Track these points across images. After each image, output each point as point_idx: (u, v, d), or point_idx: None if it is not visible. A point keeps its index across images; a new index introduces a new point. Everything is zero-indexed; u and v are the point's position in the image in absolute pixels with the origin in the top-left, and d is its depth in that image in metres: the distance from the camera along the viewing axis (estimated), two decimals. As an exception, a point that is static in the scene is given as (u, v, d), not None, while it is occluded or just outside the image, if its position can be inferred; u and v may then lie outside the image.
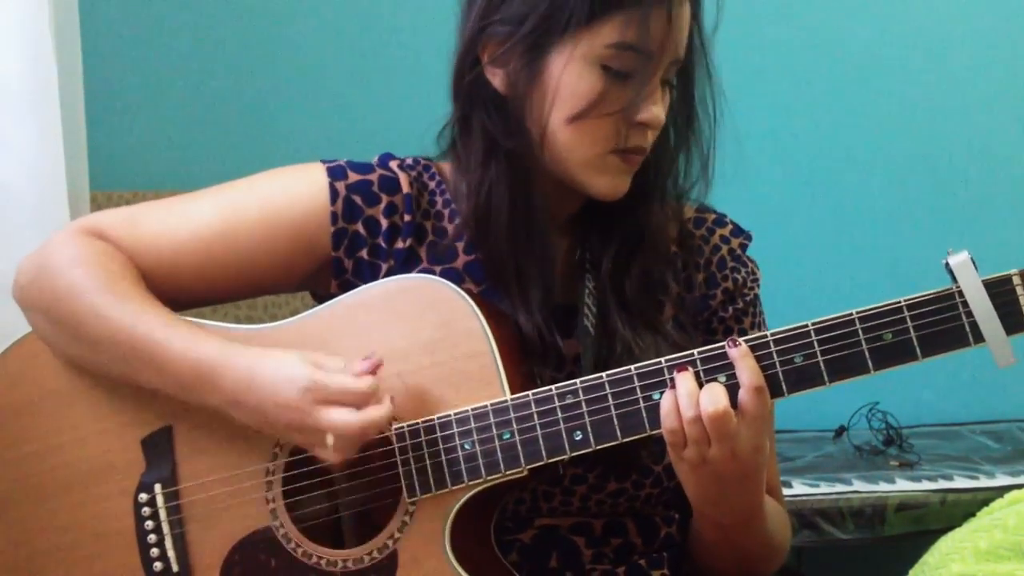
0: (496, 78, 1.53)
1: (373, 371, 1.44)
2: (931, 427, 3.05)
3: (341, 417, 1.41)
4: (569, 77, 1.48)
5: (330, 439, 1.41)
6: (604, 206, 1.56)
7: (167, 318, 1.52)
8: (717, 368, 1.41)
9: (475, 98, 1.56)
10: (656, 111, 1.49)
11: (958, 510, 2.49)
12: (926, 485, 2.59)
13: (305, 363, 1.44)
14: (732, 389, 1.40)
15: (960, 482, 2.62)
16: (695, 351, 1.42)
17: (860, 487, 2.56)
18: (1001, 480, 2.63)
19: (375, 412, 1.42)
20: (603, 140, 1.50)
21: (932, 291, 1.39)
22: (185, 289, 1.59)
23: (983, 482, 2.62)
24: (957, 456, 2.80)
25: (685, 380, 1.40)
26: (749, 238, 1.68)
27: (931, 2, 3.15)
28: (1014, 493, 1.56)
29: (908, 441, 2.87)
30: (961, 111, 3.13)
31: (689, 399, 1.39)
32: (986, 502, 1.57)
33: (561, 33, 1.47)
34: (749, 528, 1.54)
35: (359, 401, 1.42)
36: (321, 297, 1.63)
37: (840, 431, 2.93)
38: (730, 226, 1.68)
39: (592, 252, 1.60)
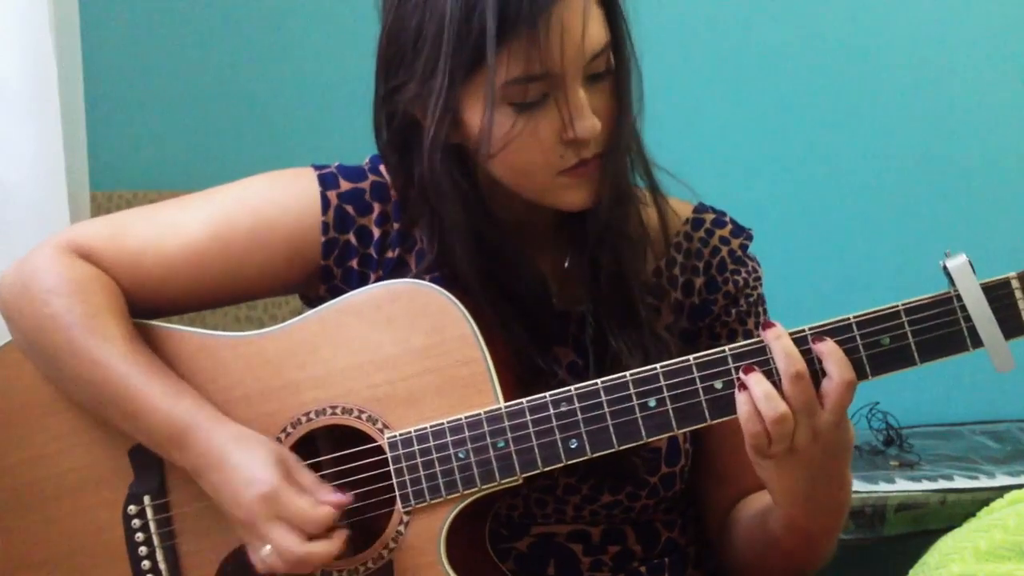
0: (430, 128, 1.48)
1: (338, 505, 1.44)
2: (931, 427, 3.04)
3: (285, 541, 1.41)
4: (478, 121, 1.43)
5: (266, 551, 1.41)
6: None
7: (146, 367, 1.50)
8: (713, 375, 1.40)
9: (406, 154, 1.53)
10: (582, 125, 1.42)
11: (958, 510, 2.49)
12: (926, 485, 2.59)
13: (275, 467, 1.43)
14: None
15: (960, 482, 2.61)
16: (691, 356, 1.41)
17: (860, 487, 2.56)
18: (1001, 480, 2.63)
19: (320, 547, 1.42)
20: (542, 169, 1.45)
21: (930, 295, 1.38)
22: (173, 301, 1.59)
23: (983, 482, 2.61)
24: (957, 456, 2.80)
25: (760, 381, 1.37)
26: (750, 237, 1.64)
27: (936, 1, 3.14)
28: (1014, 493, 1.56)
29: (908, 441, 2.86)
30: (962, 110, 3.12)
31: (768, 401, 1.36)
32: (986, 502, 1.57)
33: (453, 88, 1.42)
34: (832, 536, 1.52)
35: (311, 530, 1.42)
36: (311, 300, 1.63)
37: (839, 431, 2.92)
38: (729, 226, 1.64)
39: (581, 255, 1.56)
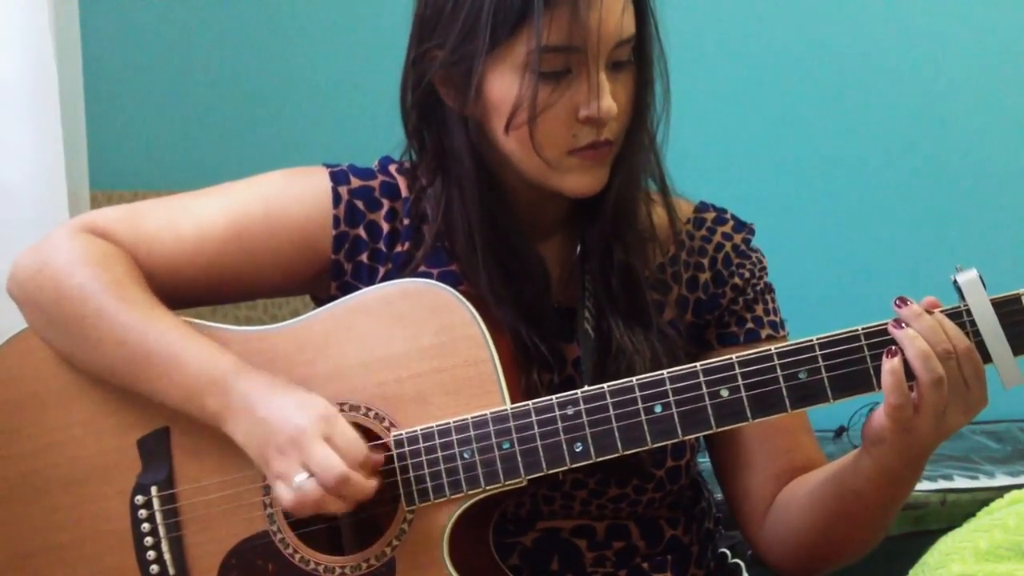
0: (449, 99, 1.53)
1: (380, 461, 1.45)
2: (931, 427, 3.03)
3: (331, 460, 1.40)
4: (503, 89, 1.47)
5: (302, 477, 1.40)
6: (588, 202, 1.54)
7: (181, 323, 1.52)
8: (721, 380, 1.41)
9: (426, 120, 1.57)
10: (601, 104, 1.46)
11: (958, 510, 2.48)
12: (926, 485, 2.58)
13: (329, 405, 1.44)
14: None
15: (960, 482, 2.61)
16: (697, 364, 1.42)
17: (860, 486, 2.56)
18: (1001, 480, 2.62)
19: (359, 477, 1.41)
20: (552, 144, 1.48)
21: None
22: (186, 289, 1.59)
23: (983, 482, 2.61)
24: (957, 456, 2.79)
25: (922, 318, 1.36)
26: (752, 232, 1.66)
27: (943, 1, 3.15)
28: (1014, 493, 1.56)
29: (909, 441, 2.86)
30: (970, 112, 3.12)
31: (935, 334, 1.35)
32: (986, 502, 1.57)
33: (487, 52, 1.46)
34: (893, 515, 1.54)
35: (355, 456, 1.42)
36: (321, 300, 1.63)
37: (840, 431, 2.91)
38: (731, 222, 1.66)
39: (586, 250, 1.59)
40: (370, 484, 1.42)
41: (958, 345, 1.36)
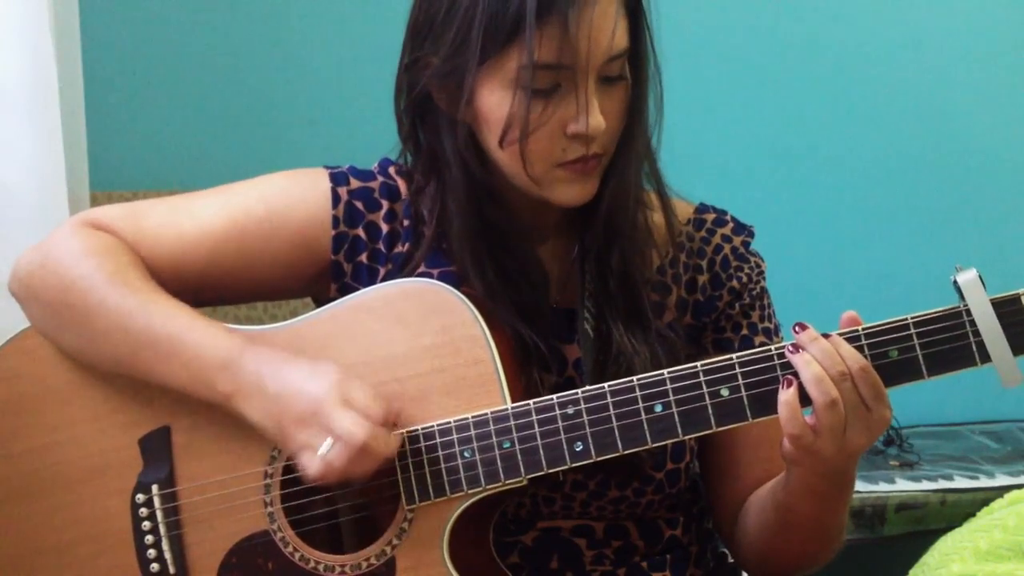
0: (443, 103, 1.54)
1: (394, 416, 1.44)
2: (931, 427, 3.04)
3: (351, 425, 1.40)
4: (493, 103, 1.47)
5: (327, 444, 1.41)
6: (584, 206, 1.55)
7: (184, 308, 1.52)
8: (720, 381, 1.41)
9: (420, 123, 1.58)
10: (589, 121, 1.46)
11: (958, 510, 2.50)
12: (926, 485, 2.60)
13: (340, 370, 1.44)
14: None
15: (960, 482, 2.62)
16: (698, 363, 1.42)
17: (860, 487, 2.56)
18: (1001, 480, 2.64)
19: (383, 436, 1.41)
20: (541, 158, 1.48)
21: (939, 309, 1.40)
22: (187, 287, 1.59)
23: (983, 482, 2.63)
24: (957, 456, 2.81)
25: (818, 342, 1.38)
26: (752, 234, 1.66)
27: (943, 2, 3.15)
28: (1014, 493, 1.56)
29: (908, 441, 2.87)
30: (970, 112, 3.13)
31: (829, 357, 1.37)
32: (986, 502, 1.58)
33: (477, 65, 1.46)
34: (842, 520, 1.54)
35: (377, 414, 1.41)
36: (322, 303, 1.63)
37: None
38: (731, 224, 1.66)
39: (585, 253, 1.59)
40: (394, 440, 1.43)
41: (852, 366, 1.38)
